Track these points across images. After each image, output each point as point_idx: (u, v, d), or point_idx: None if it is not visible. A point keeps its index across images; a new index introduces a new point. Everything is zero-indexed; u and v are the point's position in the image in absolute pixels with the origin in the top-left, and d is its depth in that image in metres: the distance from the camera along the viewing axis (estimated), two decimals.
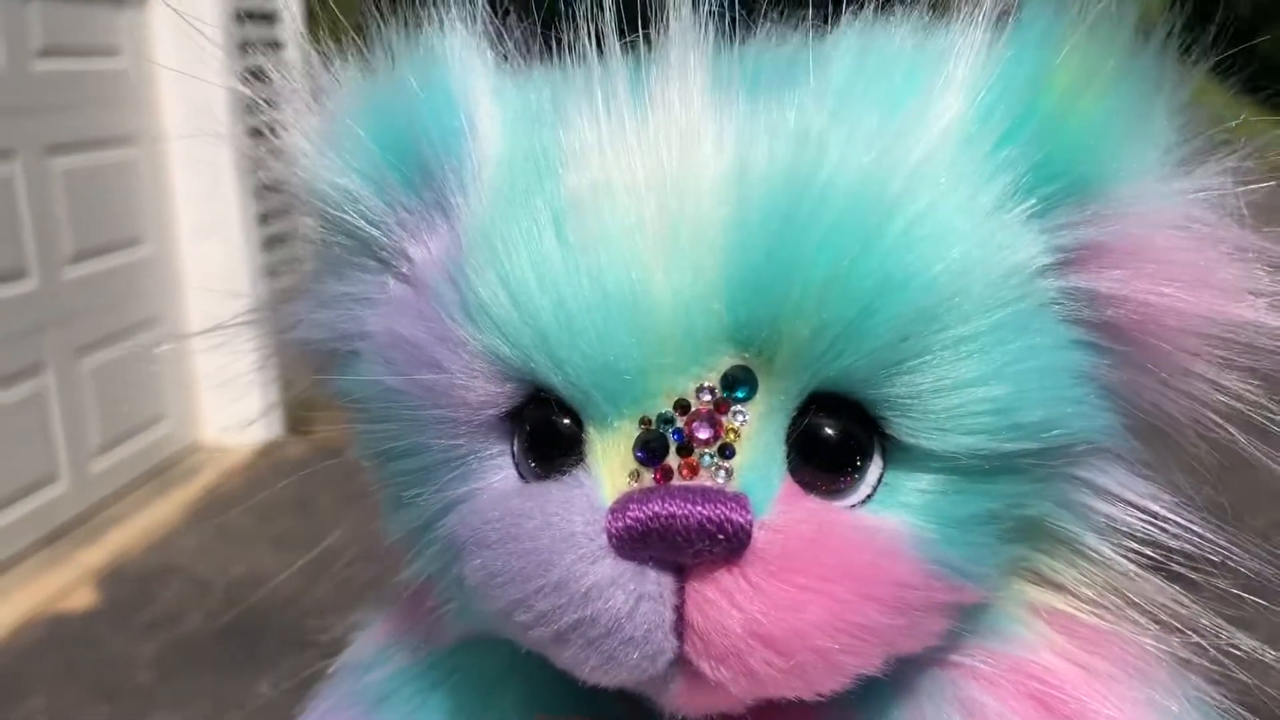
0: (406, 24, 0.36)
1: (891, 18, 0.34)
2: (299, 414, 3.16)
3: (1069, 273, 0.33)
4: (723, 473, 0.31)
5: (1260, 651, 0.35)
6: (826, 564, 0.30)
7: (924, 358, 0.30)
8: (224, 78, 0.42)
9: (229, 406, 3.05)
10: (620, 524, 0.30)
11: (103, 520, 2.63)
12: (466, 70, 0.35)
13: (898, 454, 0.32)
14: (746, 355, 0.31)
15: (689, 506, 0.29)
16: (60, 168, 2.55)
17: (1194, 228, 0.33)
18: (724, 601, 0.30)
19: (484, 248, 0.32)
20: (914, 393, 0.31)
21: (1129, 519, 0.35)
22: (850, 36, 0.34)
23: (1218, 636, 0.36)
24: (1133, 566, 0.36)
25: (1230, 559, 0.35)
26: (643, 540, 0.29)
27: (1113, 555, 0.35)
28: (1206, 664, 0.36)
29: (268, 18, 3.08)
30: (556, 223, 0.31)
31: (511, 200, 0.32)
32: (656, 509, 0.29)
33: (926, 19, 0.34)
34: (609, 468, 0.31)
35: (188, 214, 2.95)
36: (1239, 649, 0.36)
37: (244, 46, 2.95)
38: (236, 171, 2.89)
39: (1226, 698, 0.36)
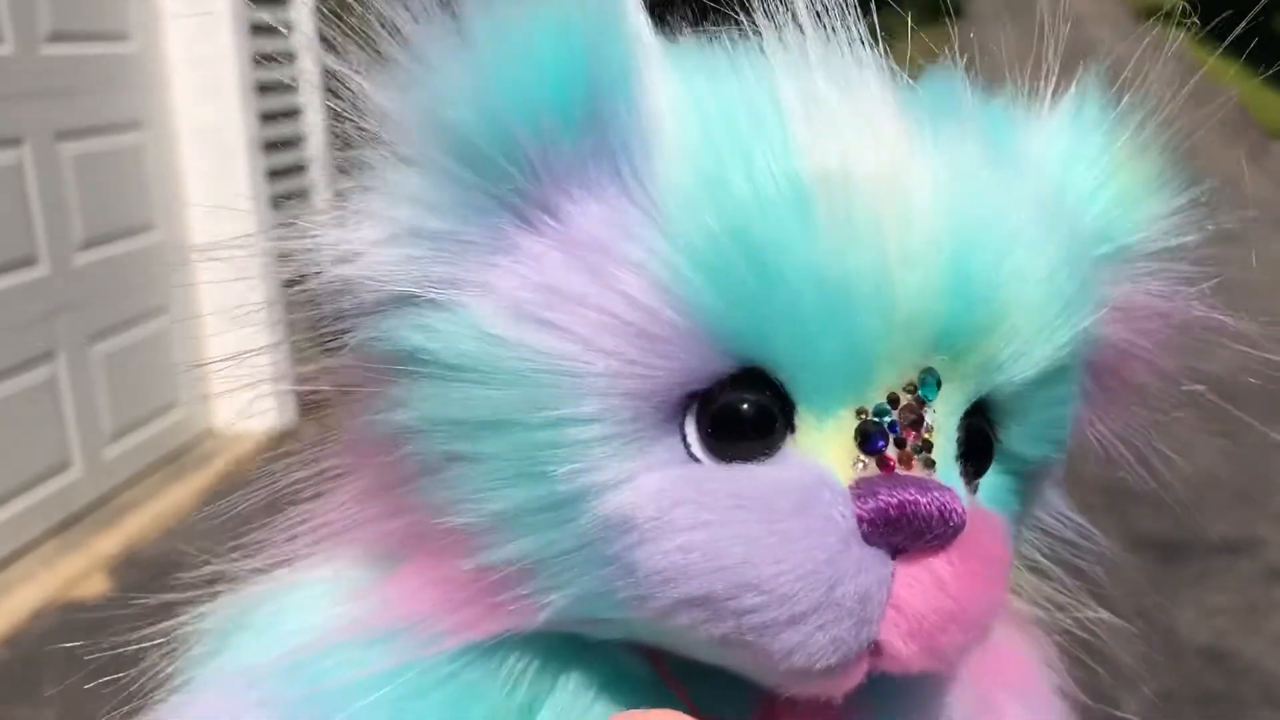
0: None
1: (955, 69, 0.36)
2: (311, 400, 3.18)
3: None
4: (930, 466, 0.32)
5: (1171, 615, 0.43)
6: (992, 550, 0.33)
7: (1054, 375, 0.34)
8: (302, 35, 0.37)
9: (242, 391, 3.05)
10: (871, 506, 0.30)
11: (116, 507, 2.63)
12: (636, 13, 0.32)
13: (996, 455, 0.35)
14: (941, 357, 0.32)
15: (929, 494, 0.31)
16: (70, 153, 2.54)
17: (1177, 300, 0.37)
18: (934, 585, 0.31)
19: (703, 214, 0.30)
20: (1036, 404, 0.34)
21: (1048, 519, 0.41)
22: (933, 77, 0.35)
23: (1078, 609, 0.43)
24: (1042, 559, 0.42)
25: (1099, 550, 0.42)
26: (894, 525, 0.30)
27: (1035, 551, 0.41)
28: (1068, 629, 0.43)
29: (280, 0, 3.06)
30: (799, 199, 0.30)
31: (732, 168, 0.30)
32: (904, 495, 0.30)
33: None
34: (833, 454, 0.31)
35: (198, 199, 2.94)
36: (1091, 619, 0.43)
37: (255, 28, 2.94)
38: (248, 155, 2.89)
39: (1077, 656, 0.44)
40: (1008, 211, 0.32)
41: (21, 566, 2.36)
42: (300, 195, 3.21)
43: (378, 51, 0.33)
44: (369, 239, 0.33)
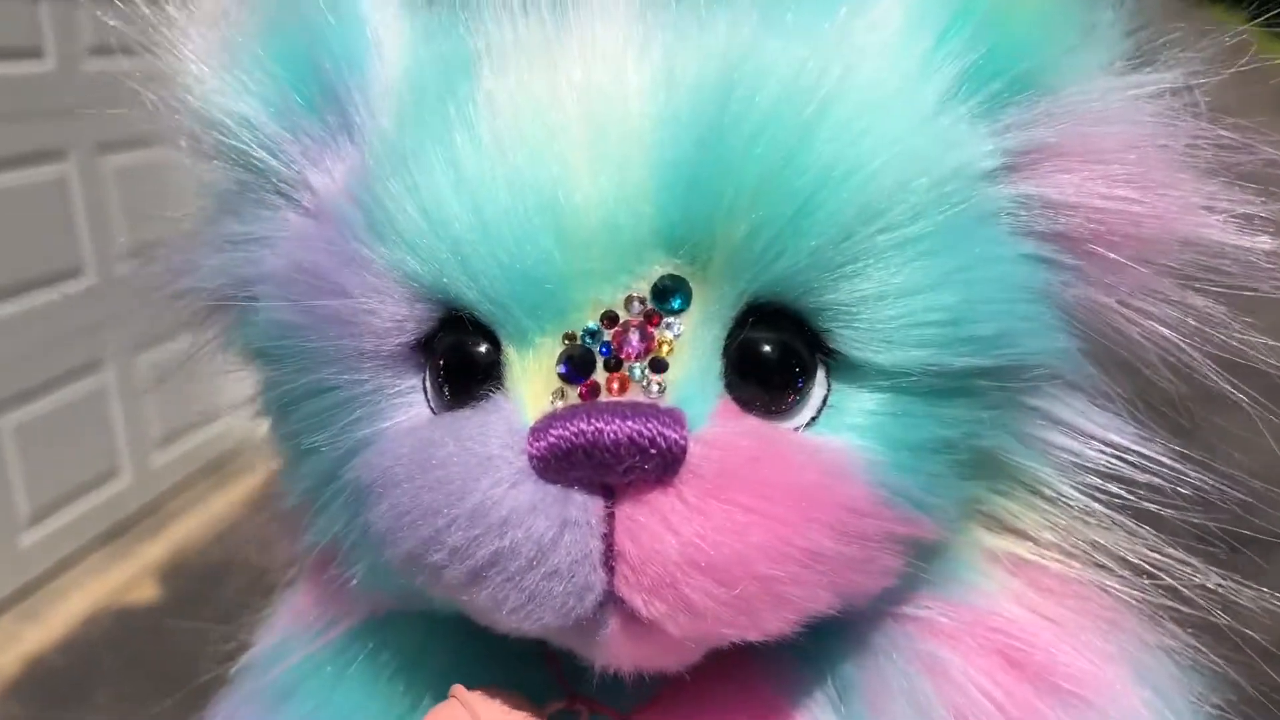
0: None
1: None
2: None
3: (1019, 178, 0.31)
4: (655, 387, 0.29)
5: (1234, 592, 0.33)
6: (769, 483, 0.28)
7: (867, 260, 0.28)
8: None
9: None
10: (542, 443, 0.27)
11: (165, 514, 2.66)
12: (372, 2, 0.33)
13: (843, 372, 0.30)
14: (679, 262, 0.29)
15: (617, 422, 0.27)
16: (113, 165, 2.56)
17: (1147, 127, 0.31)
18: (658, 525, 0.27)
19: (390, 159, 0.30)
20: (858, 299, 0.29)
21: (1091, 453, 0.33)
22: None
23: (1191, 578, 0.33)
24: (1098, 506, 0.33)
25: (1204, 494, 0.33)
26: (567, 459, 0.27)
27: (1075, 494, 0.33)
28: (1180, 607, 0.33)
29: None
30: (469, 126, 0.29)
31: (420, 108, 0.30)
32: (582, 425, 0.27)
33: None
34: (531, 388, 0.29)
35: None
36: (1214, 590, 0.33)
37: None
38: None
39: (1202, 643, 0.34)
40: (734, 75, 0.28)
41: (73, 574, 2.39)
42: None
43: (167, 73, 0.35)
44: (200, 254, 0.36)
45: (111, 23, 0.35)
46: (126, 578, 2.38)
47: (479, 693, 0.32)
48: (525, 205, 0.28)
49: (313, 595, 0.37)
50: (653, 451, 0.27)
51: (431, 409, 0.31)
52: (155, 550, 2.49)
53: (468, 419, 0.29)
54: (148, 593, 2.34)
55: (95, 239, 2.50)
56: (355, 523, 0.32)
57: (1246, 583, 0.33)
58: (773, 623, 0.29)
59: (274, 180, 0.34)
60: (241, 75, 0.34)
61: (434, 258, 0.29)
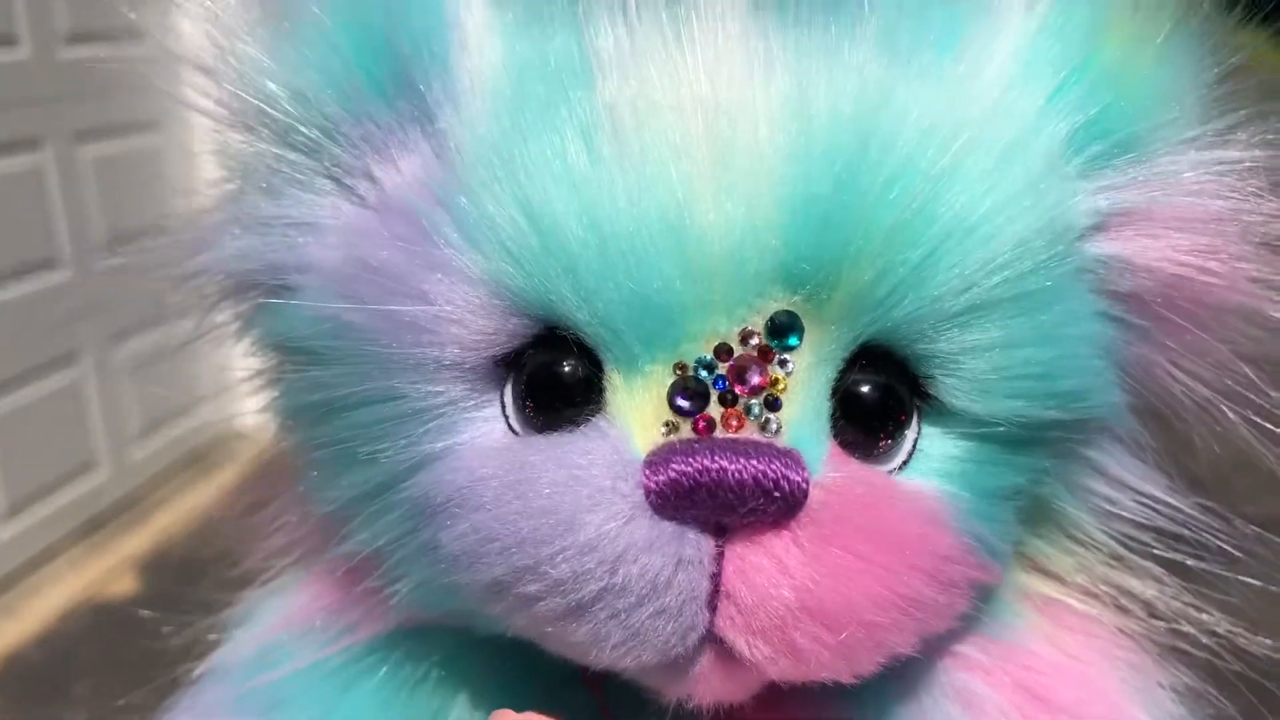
0: None
1: None
2: None
3: (1106, 238, 0.31)
4: (774, 426, 0.28)
5: (1244, 637, 0.34)
6: (879, 531, 0.28)
7: (980, 312, 0.29)
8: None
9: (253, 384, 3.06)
10: (662, 478, 0.26)
11: (144, 507, 2.64)
12: None
13: (934, 417, 0.30)
14: (796, 299, 0.28)
15: (741, 461, 0.26)
16: (90, 155, 2.54)
17: (1227, 201, 0.31)
18: (772, 568, 0.27)
19: (493, 164, 0.28)
20: (966, 349, 0.29)
21: (1126, 501, 0.34)
22: None
23: (1205, 624, 0.35)
24: (1127, 552, 0.35)
25: (1224, 545, 0.34)
26: (689, 497, 0.26)
27: (1107, 540, 0.34)
28: (1194, 651, 0.35)
29: None
30: (587, 137, 0.28)
31: (525, 111, 0.29)
32: (706, 462, 0.26)
33: None
34: (639, 417, 0.28)
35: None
36: (1226, 635, 0.35)
37: None
38: None
39: (1213, 686, 0.35)
40: (870, 120, 0.28)
41: (51, 567, 2.37)
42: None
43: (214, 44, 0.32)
44: (224, 234, 0.33)
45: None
46: (105, 571, 2.36)
47: (522, 717, 0.31)
48: (648, 227, 0.27)
49: (325, 602, 0.36)
50: (776, 494, 0.26)
51: (512, 428, 0.30)
52: (134, 543, 2.48)
53: (567, 444, 0.28)
54: (127, 586, 2.33)
55: (72, 230, 2.48)
56: (413, 539, 0.31)
57: (1255, 631, 0.35)
58: (868, 666, 0.29)
59: (325, 163, 0.32)
60: (302, 45, 0.31)
61: (542, 273, 0.28)
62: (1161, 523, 0.34)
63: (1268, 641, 0.35)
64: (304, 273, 0.32)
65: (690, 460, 0.26)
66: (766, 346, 0.28)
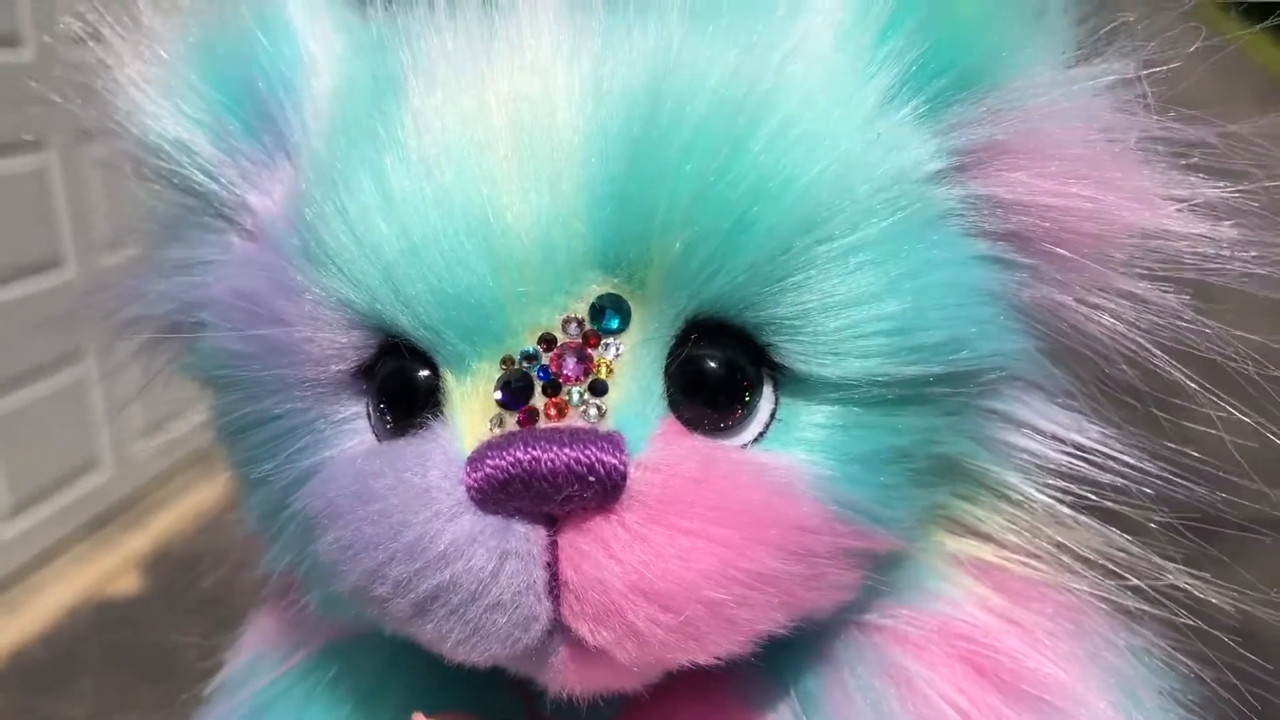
0: None
1: None
2: None
3: (967, 178, 0.30)
4: (594, 411, 0.28)
5: (1204, 591, 0.32)
6: (714, 505, 0.27)
7: (809, 272, 0.28)
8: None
9: None
10: (479, 474, 0.26)
11: (147, 505, 2.65)
12: (305, 5, 0.33)
13: (791, 386, 0.29)
14: (616, 280, 0.28)
15: (554, 449, 0.26)
16: (94, 155, 2.55)
17: (1099, 120, 0.30)
18: (600, 552, 0.26)
19: (322, 181, 0.29)
20: (801, 312, 0.28)
21: (1053, 454, 0.32)
22: None
23: (1159, 578, 0.32)
24: (1062, 508, 0.32)
25: (1170, 492, 0.32)
26: (504, 490, 0.26)
27: (1038, 496, 0.32)
28: (1148, 608, 0.33)
29: None
30: (397, 145, 0.28)
31: (349, 127, 0.29)
32: (518, 454, 0.26)
33: None
34: (468, 415, 0.28)
35: None
36: (1180, 588, 0.32)
37: None
38: None
39: (1172, 644, 0.33)
40: (662, 89, 0.27)
41: (55, 565, 2.38)
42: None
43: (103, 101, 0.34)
44: (143, 281, 0.35)
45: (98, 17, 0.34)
46: (108, 569, 2.37)
47: (440, 718, 0.32)
48: (455, 226, 0.27)
49: (275, 620, 0.37)
50: (591, 479, 0.26)
51: (376, 436, 0.30)
52: (137, 541, 2.48)
53: (406, 448, 0.28)
54: (130, 584, 2.33)
55: (76, 229, 2.49)
56: (306, 552, 0.31)
57: (1213, 580, 0.32)
58: (721, 646, 0.28)
59: (215, 204, 0.33)
60: (176, 99, 0.33)
61: (366, 283, 0.28)
62: (1097, 473, 0.32)
63: (1233, 592, 0.32)
64: (207, 309, 0.33)
65: (504, 454, 0.26)
66: (591, 331, 0.28)
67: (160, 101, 0.33)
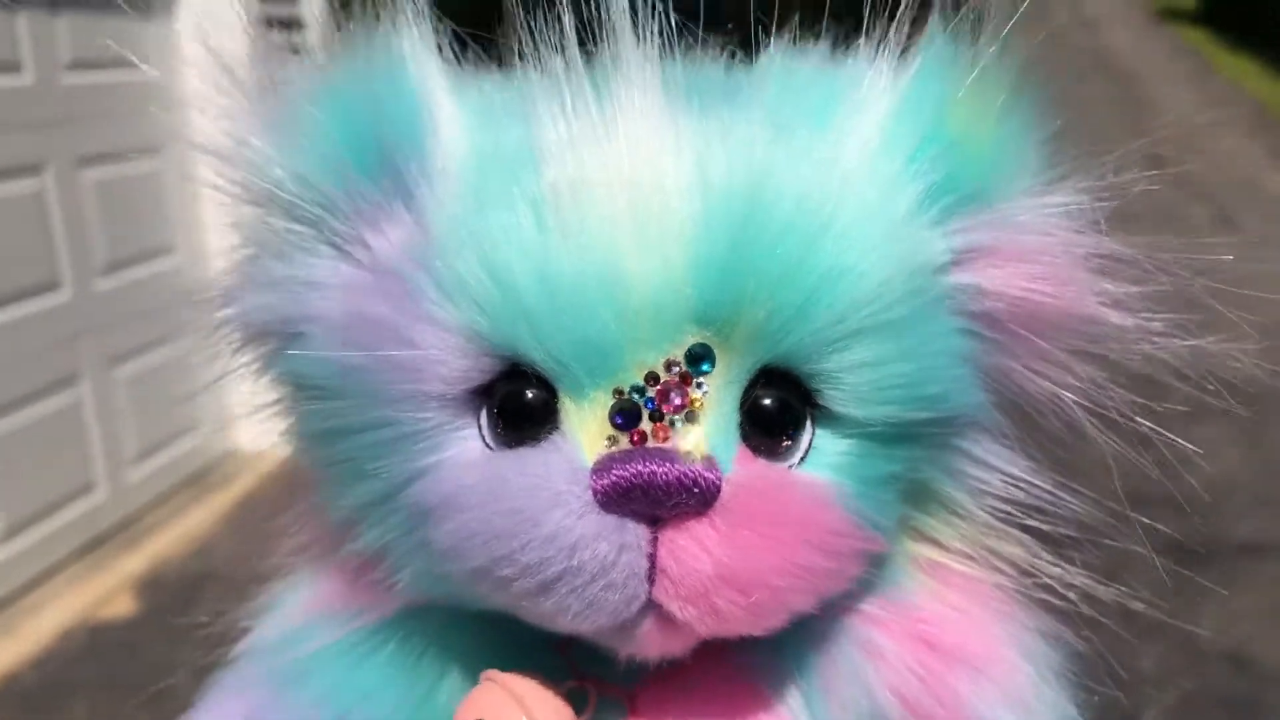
0: (363, 25, 0.39)
1: (805, 46, 0.40)
2: None
3: (960, 271, 0.38)
4: (691, 437, 0.35)
5: (1095, 589, 0.42)
6: (777, 515, 0.35)
7: (853, 338, 0.35)
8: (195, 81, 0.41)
9: (264, 411, 3.07)
10: (606, 481, 0.33)
11: (141, 528, 2.65)
12: (424, 68, 0.38)
13: (825, 422, 0.37)
14: (708, 334, 0.35)
15: (668, 465, 0.33)
16: (91, 179, 2.57)
17: (1059, 235, 0.39)
18: (695, 548, 0.34)
19: (461, 234, 0.35)
20: (844, 368, 0.36)
21: (993, 480, 0.41)
22: (775, 61, 0.40)
23: (1062, 577, 0.42)
24: (995, 521, 0.42)
25: (1077, 514, 0.42)
26: (626, 496, 0.33)
27: (979, 512, 0.42)
28: (1055, 601, 0.42)
29: (292, 24, 3.09)
30: (536, 211, 0.34)
31: (486, 190, 0.35)
32: (639, 467, 0.33)
33: (835, 47, 0.40)
34: (586, 433, 0.35)
35: (218, 221, 2.96)
36: (1079, 587, 0.42)
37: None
38: None
39: (1071, 631, 0.43)
40: (757, 188, 0.35)
41: (48, 589, 2.38)
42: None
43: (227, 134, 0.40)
44: (245, 290, 0.40)
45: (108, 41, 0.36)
46: (102, 592, 2.37)
47: (508, 675, 0.38)
48: (587, 283, 0.34)
49: (340, 590, 0.42)
50: (696, 490, 0.33)
51: (487, 444, 0.36)
52: (131, 564, 2.49)
53: (531, 457, 0.35)
54: (124, 607, 2.34)
55: (72, 253, 2.51)
56: (411, 536, 0.37)
57: (1104, 580, 0.42)
58: (772, 622, 0.36)
59: (325, 233, 0.38)
60: (303, 137, 0.38)
61: (505, 322, 0.34)
62: (1024, 497, 0.41)
63: (1115, 589, 0.42)
64: (310, 323, 0.38)
65: (627, 466, 0.33)
66: (686, 373, 0.35)
67: (289, 139, 0.38)
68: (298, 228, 0.39)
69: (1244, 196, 6.02)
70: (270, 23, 2.93)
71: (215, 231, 2.98)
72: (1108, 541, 0.41)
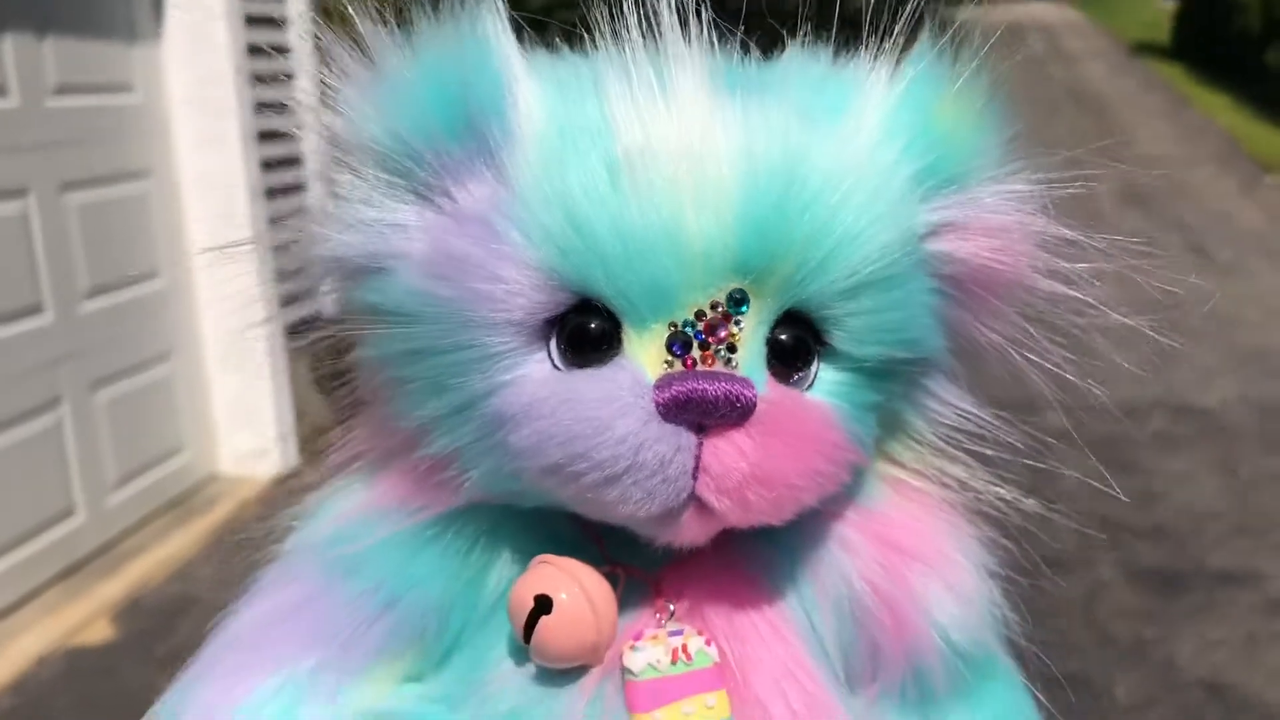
0: (442, 14, 0.46)
1: (816, 47, 0.49)
2: (314, 443, 3.18)
3: (935, 240, 0.47)
4: (733, 362, 0.43)
5: (1020, 502, 0.52)
6: (800, 429, 0.43)
7: (860, 289, 0.44)
8: (303, 71, 0.48)
9: (245, 436, 3.06)
10: (667, 395, 0.41)
11: (120, 553, 2.64)
12: (505, 48, 0.45)
13: (829, 357, 0.45)
14: (746, 281, 0.42)
15: (717, 384, 0.41)
16: (75, 203, 2.57)
17: (1015, 217, 0.47)
18: (734, 452, 0.42)
19: (544, 190, 0.42)
20: (849, 313, 0.44)
21: (946, 412, 0.50)
22: (793, 60, 0.49)
23: (998, 494, 0.52)
24: (945, 445, 0.51)
25: (1016, 444, 0.51)
26: (683, 408, 0.41)
27: (934, 439, 0.51)
28: (990, 511, 0.52)
29: (282, 50, 3.10)
30: (612, 174, 0.42)
31: (565, 153, 0.43)
32: (695, 385, 0.41)
33: (838, 53, 0.49)
34: (648, 358, 0.42)
35: (201, 245, 2.96)
36: (1009, 501, 0.52)
37: (255, 78, 2.99)
38: (249, 203, 2.92)
39: (1003, 536, 0.53)
40: (792, 166, 0.42)
41: (27, 613, 2.36)
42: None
43: (327, 95, 0.46)
44: (334, 229, 0.46)
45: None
46: (80, 617, 2.36)
47: (559, 558, 0.45)
48: (654, 234, 0.41)
49: (398, 491, 0.49)
50: (738, 404, 0.41)
51: (555, 365, 0.44)
52: (110, 589, 2.47)
53: (600, 376, 0.42)
54: (101, 632, 2.32)
55: (55, 277, 2.50)
56: (484, 441, 0.44)
57: (1028, 493, 0.52)
58: (788, 514, 0.44)
59: (413, 183, 0.45)
60: (398, 99, 0.45)
61: (583, 263, 0.42)
62: (970, 427, 0.51)
63: (1033, 502, 0.52)
64: (396, 259, 0.45)
65: (683, 384, 0.41)
66: (727, 312, 0.43)
67: (386, 100, 0.45)
68: (387, 177, 0.45)
69: (1217, 227, 6.10)
70: (254, 21, 2.95)
71: (198, 256, 2.98)
72: (1034, 463, 0.51)
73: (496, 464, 0.44)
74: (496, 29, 0.44)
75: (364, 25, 0.46)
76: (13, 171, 2.40)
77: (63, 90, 2.55)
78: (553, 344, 0.43)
